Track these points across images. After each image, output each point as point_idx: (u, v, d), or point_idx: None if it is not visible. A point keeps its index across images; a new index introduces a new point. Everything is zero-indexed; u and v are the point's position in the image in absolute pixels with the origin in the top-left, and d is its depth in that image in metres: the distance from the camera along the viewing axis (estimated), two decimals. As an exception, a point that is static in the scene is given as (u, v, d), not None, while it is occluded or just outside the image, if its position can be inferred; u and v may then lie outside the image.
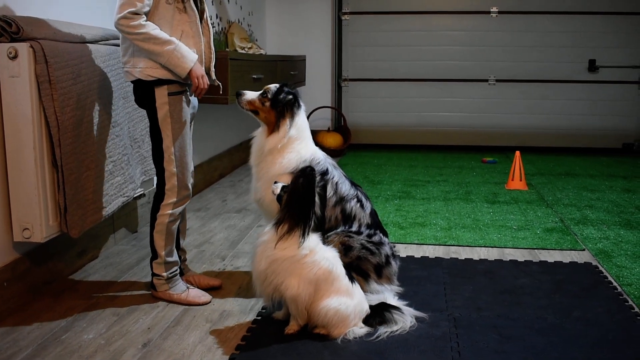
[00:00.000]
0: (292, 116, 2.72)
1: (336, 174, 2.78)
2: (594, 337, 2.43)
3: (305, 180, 2.37)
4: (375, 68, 7.39)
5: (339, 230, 2.74)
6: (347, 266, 2.57)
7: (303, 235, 2.37)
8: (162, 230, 2.71)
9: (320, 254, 2.41)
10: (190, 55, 2.57)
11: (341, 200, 2.76)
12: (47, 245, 2.84)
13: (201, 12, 2.75)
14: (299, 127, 2.73)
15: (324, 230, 2.67)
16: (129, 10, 2.44)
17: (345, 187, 2.79)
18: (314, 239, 2.43)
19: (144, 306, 2.73)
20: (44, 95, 2.52)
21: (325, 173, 2.74)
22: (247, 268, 3.21)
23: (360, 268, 2.73)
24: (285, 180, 2.57)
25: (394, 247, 2.95)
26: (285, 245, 2.37)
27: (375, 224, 2.84)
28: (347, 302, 2.41)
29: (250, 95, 2.77)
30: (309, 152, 2.74)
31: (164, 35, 2.52)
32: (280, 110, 2.71)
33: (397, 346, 2.34)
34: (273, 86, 2.76)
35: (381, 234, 2.83)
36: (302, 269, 2.37)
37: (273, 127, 2.72)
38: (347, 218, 2.77)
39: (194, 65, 2.58)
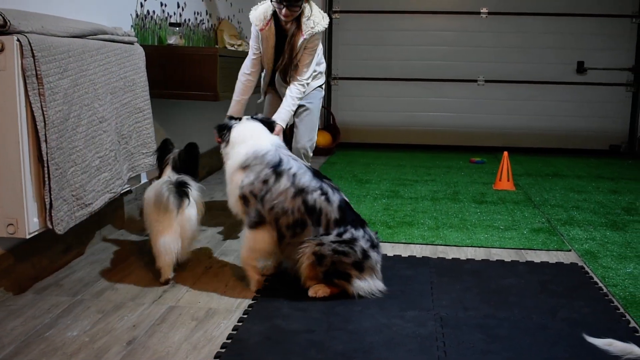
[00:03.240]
0: (224, 139, 3.04)
1: (295, 166, 2.83)
2: (580, 337, 2.44)
3: None
4: (365, 67, 7.39)
5: (311, 237, 2.74)
6: (325, 274, 2.73)
7: None
8: None
9: None
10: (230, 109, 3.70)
11: (301, 191, 2.77)
12: (31, 241, 2.82)
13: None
14: (233, 138, 2.98)
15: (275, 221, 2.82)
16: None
17: (306, 179, 2.80)
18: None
19: (129, 304, 2.71)
20: (30, 89, 2.50)
21: (278, 164, 2.81)
22: (233, 266, 3.20)
23: (339, 272, 2.73)
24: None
25: (375, 234, 2.90)
26: None
27: (345, 219, 2.79)
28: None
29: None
30: (252, 149, 2.89)
31: (237, 89, 3.72)
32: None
33: (383, 344, 2.34)
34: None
35: (352, 229, 2.78)
36: None
37: None
38: (312, 211, 2.76)
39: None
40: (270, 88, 3.88)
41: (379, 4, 7.29)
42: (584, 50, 7.19)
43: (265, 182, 2.78)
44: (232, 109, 3.71)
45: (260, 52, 3.67)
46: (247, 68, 3.70)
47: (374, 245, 2.83)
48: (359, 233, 2.79)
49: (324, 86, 3.98)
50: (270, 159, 2.82)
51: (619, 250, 3.54)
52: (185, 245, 3.01)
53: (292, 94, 3.60)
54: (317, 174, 2.87)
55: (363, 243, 2.77)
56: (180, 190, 2.94)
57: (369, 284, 2.78)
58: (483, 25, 7.24)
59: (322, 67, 3.92)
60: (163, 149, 3.27)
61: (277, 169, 2.80)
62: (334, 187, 2.88)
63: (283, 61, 3.62)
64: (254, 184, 2.79)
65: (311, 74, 3.69)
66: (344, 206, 2.82)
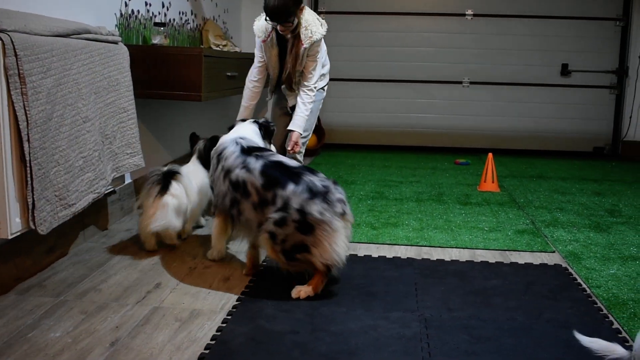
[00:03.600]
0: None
1: (229, 150, 2.96)
2: (564, 338, 2.45)
3: None
4: (350, 68, 7.40)
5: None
6: (284, 254, 2.70)
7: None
8: None
9: None
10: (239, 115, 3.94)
11: (227, 172, 2.90)
12: (14, 241, 2.79)
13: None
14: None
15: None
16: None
17: (231, 159, 2.92)
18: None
19: (112, 304, 2.69)
20: (12, 88, 2.47)
21: (220, 153, 3.01)
22: (218, 267, 3.19)
23: (293, 246, 2.68)
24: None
25: (334, 182, 2.76)
26: None
27: (271, 181, 2.71)
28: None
29: None
30: (219, 143, 3.14)
31: (245, 95, 3.95)
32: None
33: (367, 346, 2.34)
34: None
35: (281, 190, 2.66)
36: None
37: None
38: (236, 186, 2.85)
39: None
40: (277, 90, 4.04)
41: (364, 5, 7.30)
42: (568, 53, 7.24)
43: (214, 172, 3.03)
44: (241, 114, 3.96)
45: (264, 61, 3.83)
46: (253, 76, 3.90)
47: (316, 193, 2.64)
48: (289, 190, 2.66)
49: (326, 88, 4.11)
50: (220, 149, 3.03)
51: (603, 252, 3.56)
52: (167, 225, 3.25)
53: (303, 100, 3.77)
54: (246, 151, 2.92)
55: (295, 200, 2.64)
56: (164, 180, 3.25)
57: (330, 251, 2.64)
58: (468, 27, 7.27)
59: (326, 69, 4.05)
60: (191, 141, 3.83)
61: (218, 157, 3.00)
62: (261, 156, 2.85)
63: (286, 71, 3.77)
64: (212, 176, 3.09)
65: (318, 78, 3.84)
66: (267, 170, 2.76)
